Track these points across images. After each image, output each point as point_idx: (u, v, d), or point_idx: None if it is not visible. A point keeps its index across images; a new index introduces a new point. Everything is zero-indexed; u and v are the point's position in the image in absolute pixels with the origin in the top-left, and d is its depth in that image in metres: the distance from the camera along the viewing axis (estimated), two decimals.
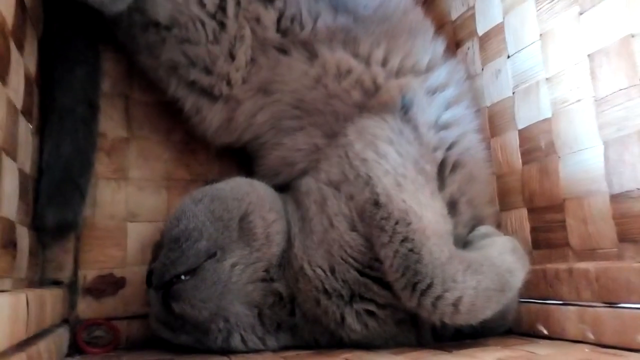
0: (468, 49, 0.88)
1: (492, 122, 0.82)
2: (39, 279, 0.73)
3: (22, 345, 0.48)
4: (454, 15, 0.92)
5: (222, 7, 0.75)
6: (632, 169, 0.60)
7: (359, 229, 0.65)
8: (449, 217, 0.66)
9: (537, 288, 0.69)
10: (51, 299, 0.62)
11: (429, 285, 0.57)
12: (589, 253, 0.65)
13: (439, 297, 0.57)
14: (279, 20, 0.76)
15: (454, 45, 0.91)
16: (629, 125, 0.60)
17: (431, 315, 0.58)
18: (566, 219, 0.68)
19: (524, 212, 0.75)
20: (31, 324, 0.50)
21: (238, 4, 0.75)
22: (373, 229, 0.62)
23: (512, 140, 0.78)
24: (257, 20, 0.76)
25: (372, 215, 0.62)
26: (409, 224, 0.60)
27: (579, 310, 0.62)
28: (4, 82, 0.55)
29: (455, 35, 0.92)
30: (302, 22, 0.75)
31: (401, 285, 0.59)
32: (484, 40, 0.84)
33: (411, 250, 0.59)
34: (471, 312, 0.58)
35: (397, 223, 0.60)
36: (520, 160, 0.76)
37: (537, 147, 0.73)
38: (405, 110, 0.72)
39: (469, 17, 0.88)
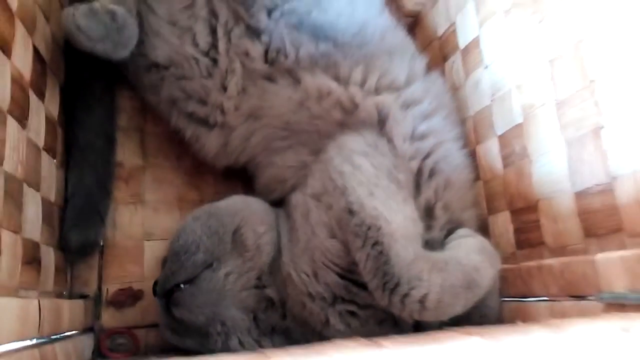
0: (453, 62, 0.93)
1: (476, 130, 0.86)
2: (68, 294, 0.83)
3: (36, 344, 0.57)
4: (439, 32, 0.97)
5: (214, 45, 0.84)
6: (590, 167, 0.62)
7: (338, 236, 0.70)
8: (420, 221, 0.70)
9: (514, 286, 0.72)
10: (69, 309, 0.71)
11: (396, 285, 0.61)
12: (561, 250, 0.67)
13: (405, 295, 0.61)
14: (266, 53, 0.82)
15: (442, 60, 0.96)
16: (585, 125, 0.63)
17: (401, 312, 0.62)
18: (540, 219, 0.70)
19: (507, 214, 0.78)
20: (44, 327, 0.59)
21: (229, 41, 0.83)
22: (349, 235, 0.67)
23: (492, 146, 0.81)
24: (246, 54, 0.83)
25: (348, 223, 0.67)
26: (379, 228, 0.64)
27: (549, 305, 0.65)
28: (24, 126, 0.65)
29: (441, 51, 0.96)
30: (286, 53, 0.81)
31: (374, 286, 0.64)
32: (465, 53, 0.88)
33: (381, 252, 0.63)
34: (439, 309, 0.61)
35: (369, 229, 0.65)
36: (501, 165, 0.79)
37: (513, 152, 0.76)
38: (381, 125, 0.77)
39: (452, 32, 0.92)
